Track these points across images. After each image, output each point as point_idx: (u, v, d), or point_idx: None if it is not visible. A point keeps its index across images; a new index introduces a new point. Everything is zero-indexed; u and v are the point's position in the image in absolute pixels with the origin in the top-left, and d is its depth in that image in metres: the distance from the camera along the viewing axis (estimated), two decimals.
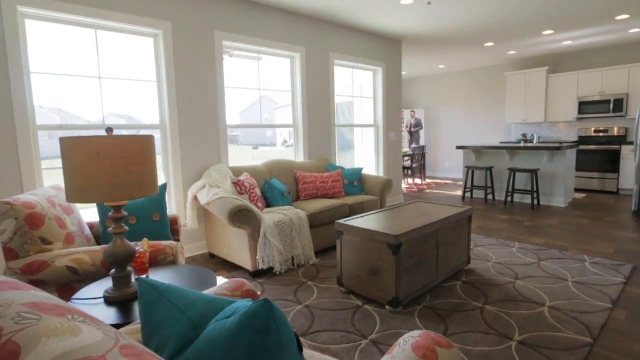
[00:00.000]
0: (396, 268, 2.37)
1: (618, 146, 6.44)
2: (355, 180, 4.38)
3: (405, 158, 8.53)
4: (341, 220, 2.71)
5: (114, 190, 1.37)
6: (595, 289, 2.66)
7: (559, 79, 7.29)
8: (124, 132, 3.40)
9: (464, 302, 2.54)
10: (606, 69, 6.71)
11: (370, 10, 4.48)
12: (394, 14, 4.63)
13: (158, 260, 1.98)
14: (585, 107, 6.97)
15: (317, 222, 3.56)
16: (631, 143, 6.31)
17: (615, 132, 6.87)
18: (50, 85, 3.01)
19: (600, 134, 7.04)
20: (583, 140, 7.17)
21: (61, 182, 3.12)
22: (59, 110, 3.20)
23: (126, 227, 1.53)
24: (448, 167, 9.62)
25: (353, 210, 3.92)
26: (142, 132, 3.50)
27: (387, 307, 2.45)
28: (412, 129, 9.52)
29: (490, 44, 6.39)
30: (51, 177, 3.09)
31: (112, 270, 1.54)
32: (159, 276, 1.78)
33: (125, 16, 3.19)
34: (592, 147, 6.72)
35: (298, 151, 4.78)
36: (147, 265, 1.71)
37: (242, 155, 4.65)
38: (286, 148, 5.02)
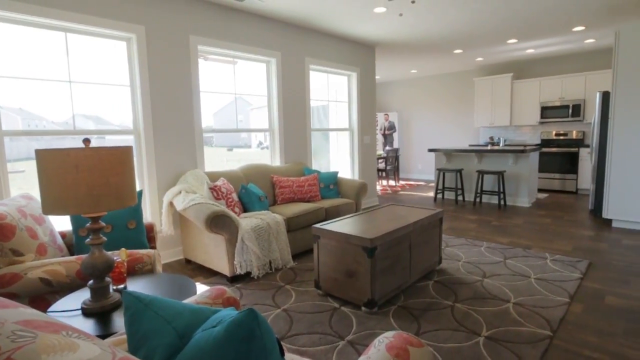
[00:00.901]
0: (371, 270, 2.45)
1: (577, 149, 6.87)
2: (331, 184, 4.46)
3: (380, 160, 8.72)
4: (318, 225, 2.77)
5: (93, 202, 1.37)
6: (555, 285, 2.86)
7: (523, 85, 7.67)
8: (95, 137, 3.33)
9: (435, 301, 2.66)
10: (565, 76, 7.14)
11: (345, 17, 4.58)
12: (368, 21, 4.75)
13: (136, 269, 1.97)
14: (547, 111, 7.38)
15: (294, 226, 3.61)
16: (588, 146, 6.74)
17: (574, 135, 7.31)
18: (12, 85, 2.90)
19: (561, 137, 7.47)
20: (545, 143, 7.59)
21: (25, 186, 3.02)
22: (21, 110, 3.09)
23: (105, 239, 1.53)
24: (421, 169, 9.90)
25: (329, 214, 3.99)
26: (114, 137, 3.44)
27: (363, 308, 2.54)
28: (386, 132, 9.73)
29: (459, 51, 6.66)
30: (13, 180, 2.98)
31: (90, 282, 1.53)
32: (138, 286, 1.78)
33: (96, 20, 3.13)
34: (553, 149, 7.12)
35: (274, 155, 4.81)
36: (125, 275, 1.71)
37: (217, 158, 4.62)
38: (261, 150, 5.02)
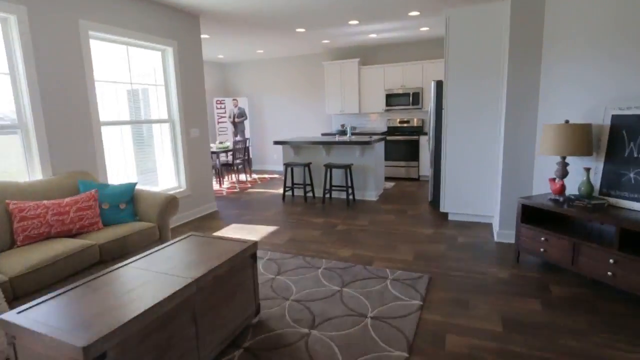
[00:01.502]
0: None
1: (417, 137, 6.99)
2: (122, 203, 3.16)
3: (229, 153, 7.59)
4: (9, 315, 1.53)
5: None
6: (393, 328, 2.27)
7: (369, 71, 7.48)
8: None
9: None
10: (406, 64, 7.16)
11: None
12: None
13: None
14: (391, 99, 7.34)
15: (32, 287, 2.24)
16: (427, 133, 6.91)
17: (415, 123, 7.48)
18: None
19: (405, 125, 7.58)
20: (391, 130, 7.60)
21: None
22: None
23: None
24: (276, 159, 9.14)
25: (108, 253, 2.72)
26: None
27: None
28: (236, 120, 8.61)
29: (302, 30, 5.91)
30: None
31: None
32: None
33: None
34: (398, 137, 7.14)
35: (32, 164, 3.21)
36: None
37: None
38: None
